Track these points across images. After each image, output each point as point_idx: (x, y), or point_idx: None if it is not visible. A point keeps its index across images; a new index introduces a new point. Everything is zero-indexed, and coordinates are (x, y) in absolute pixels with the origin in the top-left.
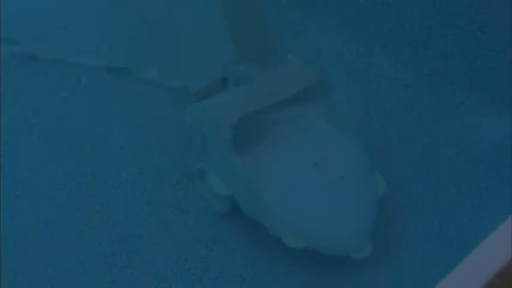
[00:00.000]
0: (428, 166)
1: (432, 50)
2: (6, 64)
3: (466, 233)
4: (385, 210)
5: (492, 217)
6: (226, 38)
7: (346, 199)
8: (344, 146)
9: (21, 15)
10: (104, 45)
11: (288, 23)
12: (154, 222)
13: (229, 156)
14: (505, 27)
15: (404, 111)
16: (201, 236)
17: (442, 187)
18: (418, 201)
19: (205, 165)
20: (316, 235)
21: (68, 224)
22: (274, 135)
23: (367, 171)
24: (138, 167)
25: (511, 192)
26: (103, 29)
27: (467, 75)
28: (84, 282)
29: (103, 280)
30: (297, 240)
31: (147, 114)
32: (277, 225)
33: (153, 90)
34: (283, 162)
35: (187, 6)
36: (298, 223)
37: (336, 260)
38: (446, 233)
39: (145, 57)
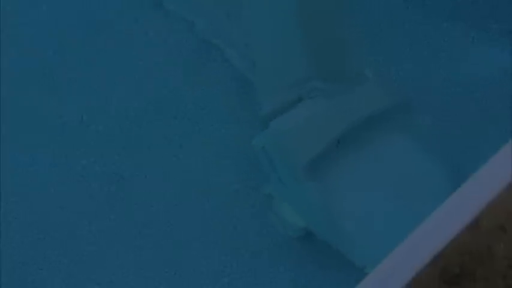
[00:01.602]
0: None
1: None
2: None
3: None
4: None
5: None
6: (300, 54)
7: None
8: (425, 170)
9: None
10: None
11: None
12: (221, 247)
13: (304, 184)
14: None
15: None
16: (271, 259)
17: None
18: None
19: (274, 191)
20: None
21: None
22: (351, 160)
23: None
24: (206, 191)
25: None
26: None
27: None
28: None
29: None
30: None
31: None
32: (362, 256)
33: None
34: (363, 189)
35: (261, 24)
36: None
37: None
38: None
39: None
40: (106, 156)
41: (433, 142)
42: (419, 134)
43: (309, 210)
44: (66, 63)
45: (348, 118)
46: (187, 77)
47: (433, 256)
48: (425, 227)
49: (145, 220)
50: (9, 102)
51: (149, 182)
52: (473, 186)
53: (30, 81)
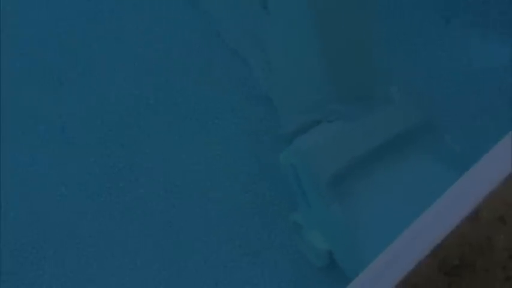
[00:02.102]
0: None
1: None
2: None
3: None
4: None
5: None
6: (320, 76)
7: None
8: None
9: None
10: None
11: None
12: (222, 246)
13: (327, 201)
14: None
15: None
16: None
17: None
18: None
19: (300, 217)
20: None
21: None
22: (375, 180)
23: None
24: (206, 192)
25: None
26: None
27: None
28: None
29: None
30: None
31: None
32: None
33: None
34: (385, 209)
35: (282, 45)
36: None
37: None
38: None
39: None
40: (106, 156)
41: (457, 163)
42: (444, 154)
43: (332, 231)
44: (66, 63)
45: (372, 137)
46: (206, 84)
47: (433, 247)
48: (425, 219)
49: (145, 220)
50: (9, 102)
51: (149, 182)
52: (473, 178)
53: (30, 81)
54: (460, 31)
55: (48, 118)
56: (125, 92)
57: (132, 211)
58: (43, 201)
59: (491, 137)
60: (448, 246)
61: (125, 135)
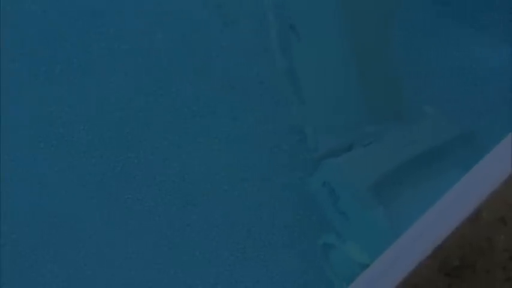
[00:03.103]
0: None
1: None
2: None
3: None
4: None
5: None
6: (356, 97)
7: None
8: None
9: None
10: None
11: None
12: (248, 276)
13: (372, 209)
14: None
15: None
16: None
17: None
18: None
19: (332, 236)
20: None
21: None
22: (413, 190)
23: None
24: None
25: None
26: None
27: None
28: None
29: None
30: None
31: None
32: None
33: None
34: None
35: (313, 67)
36: None
37: None
38: None
39: None
40: (106, 155)
41: None
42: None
43: (375, 238)
44: (66, 63)
45: (406, 151)
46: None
47: (434, 248)
48: (425, 220)
49: (145, 220)
50: (9, 101)
51: (149, 181)
52: (474, 178)
53: (30, 82)
54: (459, 31)
55: (48, 118)
56: (125, 91)
57: (132, 211)
58: (43, 201)
59: (492, 138)
60: (449, 247)
61: (125, 135)
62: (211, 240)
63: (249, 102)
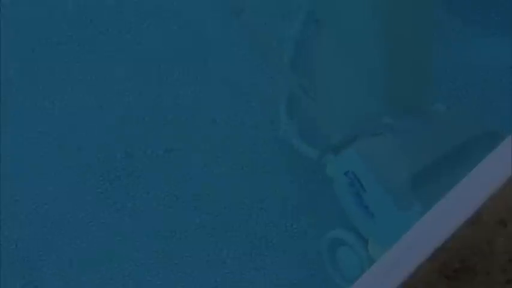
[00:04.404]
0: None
1: None
2: None
3: None
4: None
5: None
6: (380, 87)
7: None
8: None
9: None
10: None
11: None
12: (249, 276)
13: (409, 207)
14: None
15: None
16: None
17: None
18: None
19: (344, 232)
20: None
21: None
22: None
23: None
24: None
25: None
26: None
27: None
28: None
29: None
30: None
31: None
32: None
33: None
34: None
35: (334, 56)
36: None
37: None
38: None
39: None
40: (107, 156)
41: None
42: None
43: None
44: (66, 62)
45: (430, 148)
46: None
47: (434, 251)
48: (425, 222)
49: (145, 220)
50: (9, 102)
51: (150, 182)
52: (474, 180)
53: (30, 81)
54: (461, 30)
55: (48, 118)
56: (125, 91)
57: (133, 211)
58: (43, 200)
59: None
60: (449, 250)
61: (125, 135)
62: (212, 240)
63: (258, 95)
